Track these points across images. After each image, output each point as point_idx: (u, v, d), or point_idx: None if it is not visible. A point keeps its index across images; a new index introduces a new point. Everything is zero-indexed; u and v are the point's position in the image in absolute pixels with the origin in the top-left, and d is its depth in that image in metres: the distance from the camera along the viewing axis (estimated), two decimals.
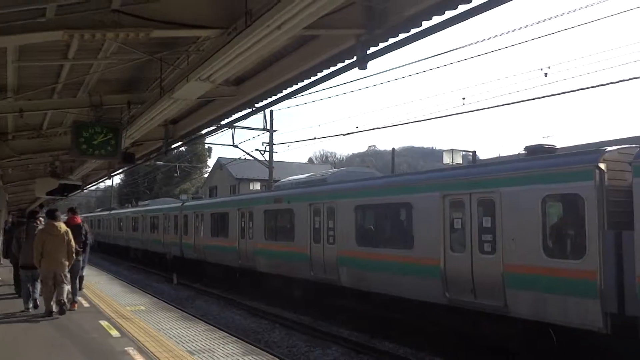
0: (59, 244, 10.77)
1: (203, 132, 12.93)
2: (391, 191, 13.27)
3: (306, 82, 7.63)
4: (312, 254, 15.45)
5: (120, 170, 25.42)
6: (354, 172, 17.81)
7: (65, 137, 12.36)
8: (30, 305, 11.46)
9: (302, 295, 16.45)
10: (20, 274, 12.03)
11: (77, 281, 12.52)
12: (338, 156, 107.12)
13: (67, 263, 10.91)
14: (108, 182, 63.49)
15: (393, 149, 33.19)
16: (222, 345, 8.94)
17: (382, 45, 6.01)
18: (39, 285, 11.36)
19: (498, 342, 10.29)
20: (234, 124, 18.62)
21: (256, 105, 9.59)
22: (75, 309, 11.76)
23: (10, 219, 26.12)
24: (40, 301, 11.38)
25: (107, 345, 8.55)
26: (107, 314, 11.52)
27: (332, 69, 6.98)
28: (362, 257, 13.55)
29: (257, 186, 42.00)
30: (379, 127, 29.70)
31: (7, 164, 14.67)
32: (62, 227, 11.07)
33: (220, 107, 10.43)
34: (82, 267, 13.23)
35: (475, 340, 10.86)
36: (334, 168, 42.47)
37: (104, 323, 10.38)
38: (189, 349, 8.56)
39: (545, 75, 14.18)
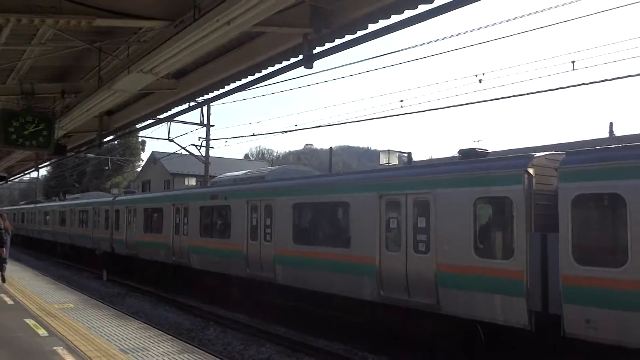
0: None
1: (140, 125, 12.58)
2: (329, 190, 13.38)
3: (250, 78, 7.55)
4: (248, 251, 15.36)
5: (47, 162, 24.29)
6: (292, 170, 17.81)
7: None
8: None
9: (237, 293, 16.32)
10: None
11: None
12: (275, 153, 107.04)
13: None
14: (34, 174, 60.46)
15: (331, 148, 33.47)
16: (156, 343, 8.75)
17: (328, 45, 6.08)
18: None
19: (431, 338, 10.61)
20: (173, 118, 18.17)
21: (197, 99, 9.43)
22: None
23: None
24: None
25: (34, 345, 8.19)
26: (33, 312, 11.02)
27: (278, 66, 6.97)
28: (299, 255, 13.59)
29: (192, 182, 41.25)
30: (319, 125, 29.84)
31: None
32: None
33: (159, 100, 10.16)
34: (5, 259, 12.79)
35: (409, 337, 11.15)
36: (271, 165, 42.37)
37: (30, 321, 9.93)
38: (121, 347, 8.33)
39: (480, 81, 14.49)
